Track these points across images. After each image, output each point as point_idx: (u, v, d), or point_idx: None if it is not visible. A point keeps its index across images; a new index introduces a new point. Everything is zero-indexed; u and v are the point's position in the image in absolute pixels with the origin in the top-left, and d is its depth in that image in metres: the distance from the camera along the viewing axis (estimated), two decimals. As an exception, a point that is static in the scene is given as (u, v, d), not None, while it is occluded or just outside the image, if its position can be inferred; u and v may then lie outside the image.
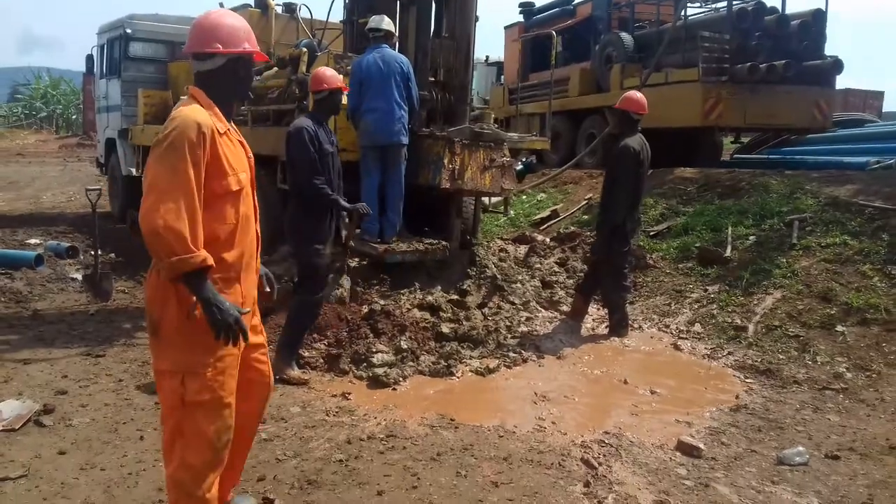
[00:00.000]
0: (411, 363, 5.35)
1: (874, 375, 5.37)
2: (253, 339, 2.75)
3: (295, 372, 5.09)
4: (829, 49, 11.45)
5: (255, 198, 2.76)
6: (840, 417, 4.75)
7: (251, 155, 2.75)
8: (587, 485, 3.65)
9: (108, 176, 13.05)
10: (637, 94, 6.51)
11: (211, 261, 2.42)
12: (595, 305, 7.03)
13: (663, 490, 3.65)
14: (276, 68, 8.12)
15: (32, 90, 43.83)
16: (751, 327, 6.30)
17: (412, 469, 3.76)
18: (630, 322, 6.64)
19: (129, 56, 11.58)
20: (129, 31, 11.45)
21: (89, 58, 13.18)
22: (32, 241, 9.57)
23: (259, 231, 2.80)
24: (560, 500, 3.50)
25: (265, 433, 4.10)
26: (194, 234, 2.38)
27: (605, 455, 4.03)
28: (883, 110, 22.72)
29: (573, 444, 4.17)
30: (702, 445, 4.16)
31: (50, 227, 10.91)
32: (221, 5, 10.56)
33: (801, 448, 4.15)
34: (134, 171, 11.50)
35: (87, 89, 18.83)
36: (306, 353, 5.38)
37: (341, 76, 5.43)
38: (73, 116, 41.55)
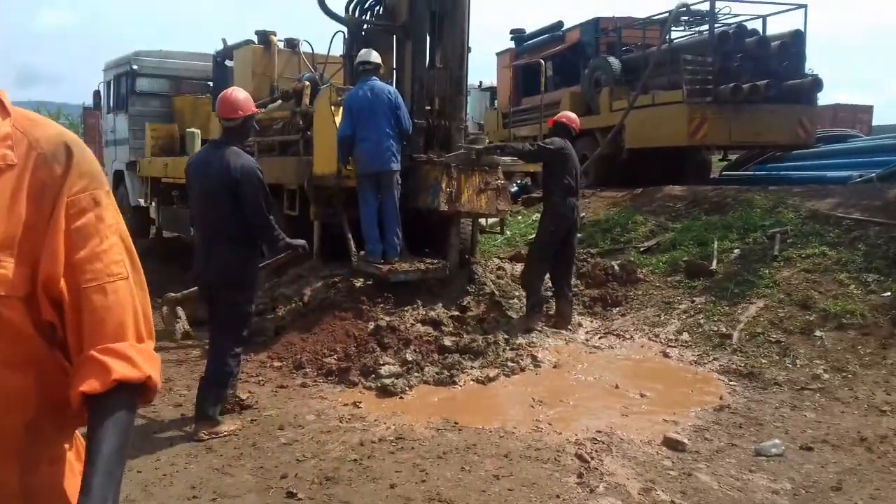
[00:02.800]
0: (417, 374, 5.71)
1: (849, 376, 5.71)
2: None
3: (225, 426, 4.58)
4: (824, 65, 11.92)
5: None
6: (816, 414, 5.10)
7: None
8: (580, 476, 4.00)
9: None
10: (573, 114, 7.77)
11: None
12: (589, 318, 7.41)
13: (650, 479, 4.00)
14: (280, 101, 8.58)
15: (32, 125, 44.35)
16: (735, 335, 6.66)
17: (421, 466, 4.11)
18: (622, 333, 7.01)
19: (135, 91, 12.05)
20: (135, 67, 11.92)
21: (96, 93, 13.63)
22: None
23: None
24: (556, 490, 3.85)
25: (284, 438, 4.46)
26: None
27: (597, 451, 4.37)
28: (872, 124, 23.18)
29: (568, 442, 4.52)
30: (686, 441, 4.51)
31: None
32: (224, 41, 11.05)
33: (777, 440, 4.50)
34: (142, 201, 11.97)
35: (90, 123, 19.25)
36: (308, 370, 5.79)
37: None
38: (75, 150, 42.04)
